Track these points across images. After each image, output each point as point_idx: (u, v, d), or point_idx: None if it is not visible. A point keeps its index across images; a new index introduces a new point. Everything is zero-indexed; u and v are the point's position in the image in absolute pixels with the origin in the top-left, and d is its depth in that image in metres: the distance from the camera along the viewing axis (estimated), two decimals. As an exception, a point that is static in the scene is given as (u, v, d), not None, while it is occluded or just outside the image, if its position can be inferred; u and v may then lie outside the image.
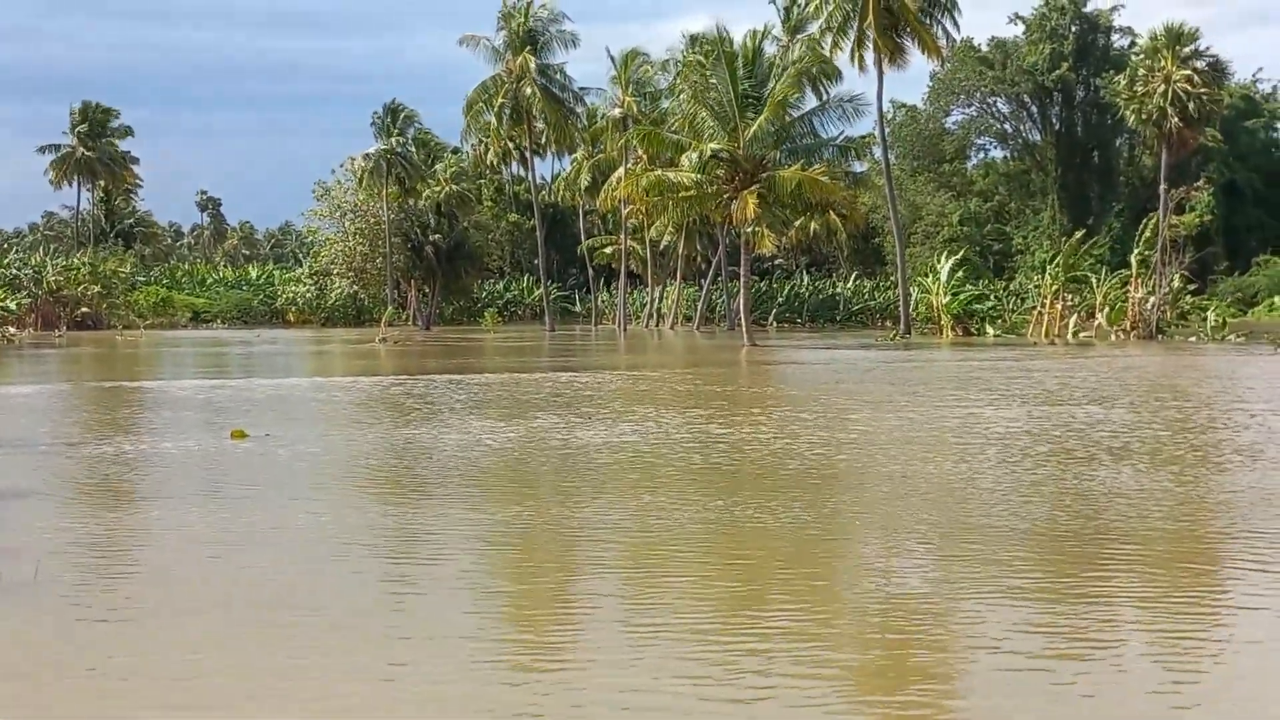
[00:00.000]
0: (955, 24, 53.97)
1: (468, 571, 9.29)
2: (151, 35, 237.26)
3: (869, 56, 52.14)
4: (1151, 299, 48.69)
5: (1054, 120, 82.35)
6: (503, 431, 17.69)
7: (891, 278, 67.99)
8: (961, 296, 54.42)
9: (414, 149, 76.57)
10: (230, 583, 8.73)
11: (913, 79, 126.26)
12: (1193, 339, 46.84)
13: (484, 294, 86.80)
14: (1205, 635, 7.51)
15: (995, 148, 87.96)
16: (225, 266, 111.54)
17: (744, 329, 47.66)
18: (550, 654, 7.15)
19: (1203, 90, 50.42)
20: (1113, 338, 48.46)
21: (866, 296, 78.47)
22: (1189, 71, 50.34)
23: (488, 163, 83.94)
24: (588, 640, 7.40)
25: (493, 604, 8.44)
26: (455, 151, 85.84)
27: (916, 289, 57.12)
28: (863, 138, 56.22)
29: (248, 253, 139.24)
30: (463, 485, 13.14)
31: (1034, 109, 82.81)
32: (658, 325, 74.55)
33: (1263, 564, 9.24)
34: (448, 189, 74.55)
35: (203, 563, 9.42)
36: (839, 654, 6.99)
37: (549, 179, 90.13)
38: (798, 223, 56.58)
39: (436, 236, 73.43)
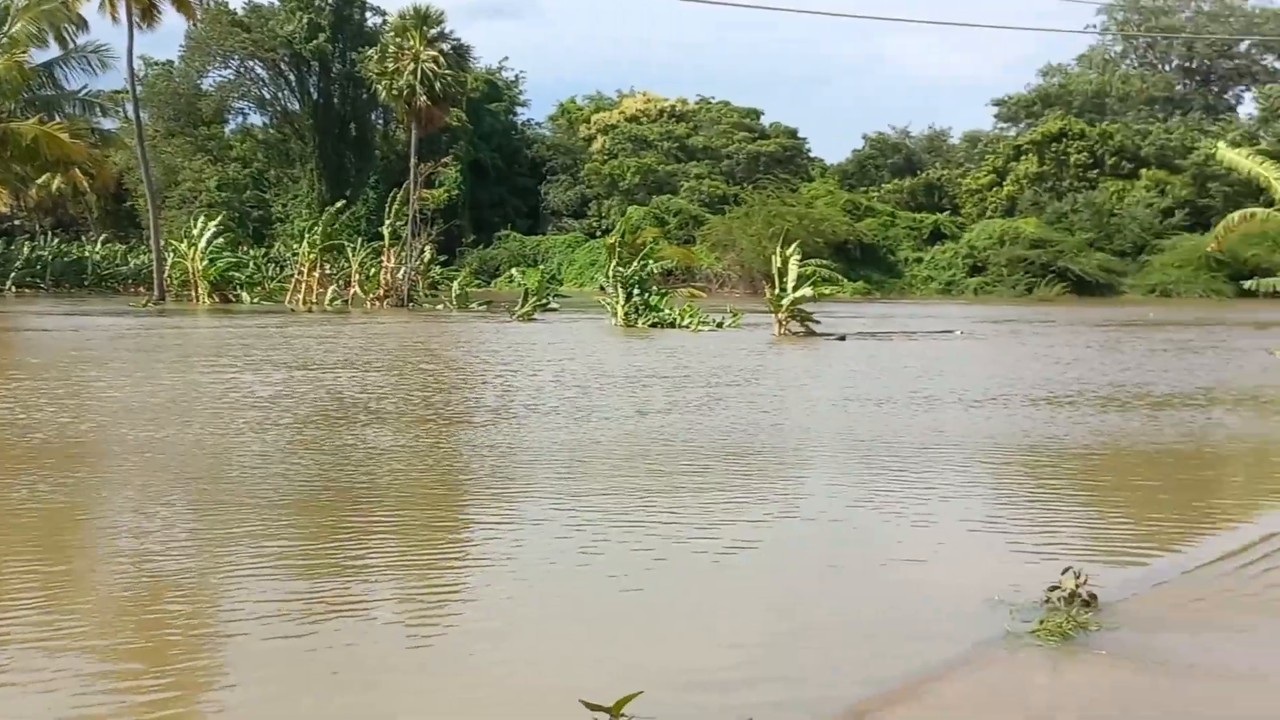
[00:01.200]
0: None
1: None
2: None
3: (120, 7, 49.38)
4: (403, 269, 50.97)
5: (312, 91, 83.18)
6: None
7: (146, 242, 65.12)
8: (219, 263, 53.36)
9: None
10: None
11: (169, 35, 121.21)
12: (440, 307, 49.65)
13: None
14: (461, 586, 7.93)
15: (255, 113, 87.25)
16: None
17: (-24, 294, 43.26)
18: None
19: (448, 72, 53.27)
20: (367, 306, 50.12)
21: (118, 261, 74.26)
22: (435, 53, 52.95)
23: None
24: None
25: None
26: None
27: (172, 254, 55.19)
28: (114, 93, 53.09)
29: None
30: None
31: (292, 78, 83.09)
32: None
33: (511, 512, 9.98)
34: None
35: None
36: (94, 642, 6.51)
37: None
38: (39, 180, 52.42)
39: None
